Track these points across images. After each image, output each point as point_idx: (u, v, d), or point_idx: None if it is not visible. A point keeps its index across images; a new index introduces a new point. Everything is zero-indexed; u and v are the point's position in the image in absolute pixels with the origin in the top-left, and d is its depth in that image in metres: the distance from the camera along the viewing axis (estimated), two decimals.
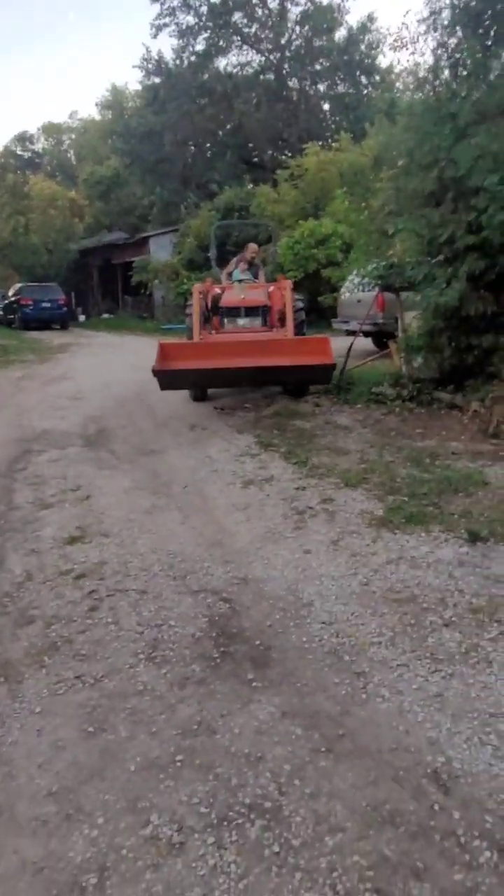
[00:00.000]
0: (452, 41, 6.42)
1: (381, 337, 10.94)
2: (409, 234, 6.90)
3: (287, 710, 2.43)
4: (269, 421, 7.10)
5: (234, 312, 8.12)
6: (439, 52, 6.54)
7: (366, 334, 11.59)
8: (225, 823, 1.95)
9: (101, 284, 30.28)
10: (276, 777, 2.11)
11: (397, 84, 26.11)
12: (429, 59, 6.68)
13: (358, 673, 2.62)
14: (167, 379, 6.82)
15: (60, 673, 2.76)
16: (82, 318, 28.78)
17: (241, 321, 8.11)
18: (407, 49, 6.96)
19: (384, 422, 6.78)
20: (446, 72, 6.40)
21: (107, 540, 4.14)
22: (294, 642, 2.88)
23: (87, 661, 2.83)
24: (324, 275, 13.67)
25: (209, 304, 8.17)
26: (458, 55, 6.34)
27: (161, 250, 24.40)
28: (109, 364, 12.88)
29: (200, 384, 7.80)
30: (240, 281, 8.87)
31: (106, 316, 28.33)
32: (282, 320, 7.78)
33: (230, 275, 9.25)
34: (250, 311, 8.11)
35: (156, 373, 6.56)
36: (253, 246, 9.61)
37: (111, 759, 2.25)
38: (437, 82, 6.46)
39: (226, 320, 8.15)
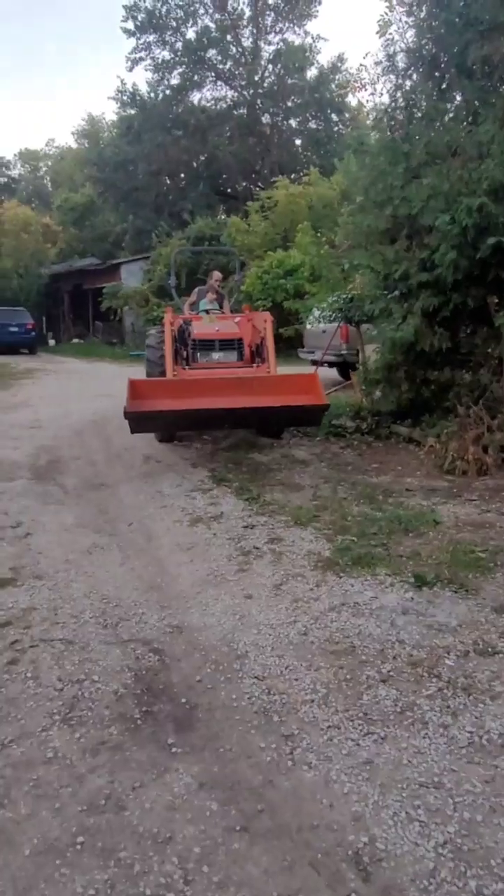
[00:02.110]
0: (408, 84, 6.54)
1: (346, 367, 11.01)
2: (366, 269, 6.93)
3: (205, 781, 2.24)
4: (226, 454, 6.96)
5: (207, 345, 7.30)
6: (396, 94, 6.65)
7: (330, 365, 11.68)
8: None
9: (72, 310, 30.13)
10: (184, 862, 1.92)
11: (367, 122, 26.99)
12: (386, 100, 6.75)
13: (286, 736, 2.46)
14: (139, 421, 6.02)
15: None
16: (52, 342, 28.56)
17: (216, 355, 7.29)
18: (366, 90, 7.09)
19: (341, 456, 6.71)
20: (401, 113, 6.51)
21: (40, 583, 3.92)
22: (223, 700, 2.70)
23: None
24: (286, 306, 13.72)
25: (176, 336, 7.49)
26: (412, 97, 6.46)
27: (132, 277, 24.42)
28: (73, 391, 12.66)
29: (177, 427, 7.03)
30: (206, 311, 8.34)
31: (76, 341, 28.15)
32: (256, 354, 7.31)
33: (194, 305, 9.00)
34: (225, 345, 7.32)
35: (127, 415, 5.78)
36: (217, 273, 9.40)
37: (5, 843, 2.03)
38: (393, 123, 6.57)
39: (199, 354, 7.30)
